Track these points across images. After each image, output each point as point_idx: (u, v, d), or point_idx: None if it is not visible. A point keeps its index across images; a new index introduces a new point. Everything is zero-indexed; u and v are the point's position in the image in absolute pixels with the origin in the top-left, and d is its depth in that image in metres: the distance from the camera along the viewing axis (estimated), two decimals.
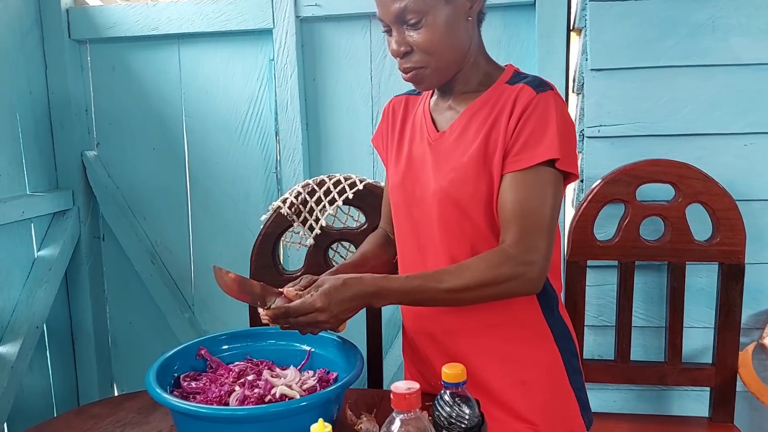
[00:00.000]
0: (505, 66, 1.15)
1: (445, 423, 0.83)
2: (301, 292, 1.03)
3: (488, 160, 1.06)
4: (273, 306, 1.03)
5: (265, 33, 2.01)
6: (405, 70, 1.08)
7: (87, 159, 2.16)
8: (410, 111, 1.22)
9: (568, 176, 1.07)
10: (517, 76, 1.11)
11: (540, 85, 1.06)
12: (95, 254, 2.24)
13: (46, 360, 2.13)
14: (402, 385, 0.73)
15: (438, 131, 1.14)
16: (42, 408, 2.10)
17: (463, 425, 0.83)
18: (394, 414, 0.73)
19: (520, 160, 1.03)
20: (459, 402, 0.83)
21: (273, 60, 2.01)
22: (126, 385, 2.34)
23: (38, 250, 2.06)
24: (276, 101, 2.03)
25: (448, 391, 0.83)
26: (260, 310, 1.04)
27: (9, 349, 1.87)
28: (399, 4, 1.02)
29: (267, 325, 1.04)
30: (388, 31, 1.08)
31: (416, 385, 0.74)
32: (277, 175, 2.10)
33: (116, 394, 2.35)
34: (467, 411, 0.83)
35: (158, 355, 2.27)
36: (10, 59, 1.95)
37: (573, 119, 1.83)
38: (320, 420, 0.74)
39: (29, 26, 2.03)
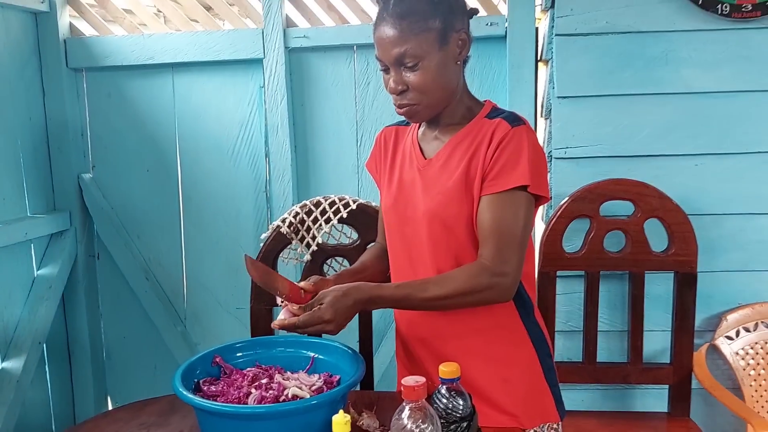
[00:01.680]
0: (485, 102, 1.30)
1: (443, 413, 0.97)
2: (310, 288, 1.20)
3: (470, 184, 1.21)
4: (282, 319, 1.16)
5: (255, 62, 2.15)
6: (400, 106, 1.22)
7: (83, 181, 2.26)
8: (400, 140, 1.37)
9: (539, 198, 1.22)
10: (495, 111, 1.26)
11: (515, 120, 1.21)
12: (91, 272, 2.33)
13: (45, 374, 2.21)
14: (410, 380, 0.88)
15: (425, 159, 1.29)
16: (42, 421, 2.19)
17: (458, 415, 0.97)
18: (404, 404, 0.88)
19: (496, 185, 1.19)
20: (454, 395, 0.98)
21: (263, 87, 2.15)
22: (120, 398, 2.43)
23: (38, 269, 2.15)
24: (266, 125, 2.17)
25: (444, 386, 0.98)
26: (278, 299, 1.18)
27: (14, 364, 1.95)
28: (399, 49, 1.17)
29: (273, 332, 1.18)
30: (386, 71, 1.22)
31: (422, 379, 0.88)
32: (266, 195, 2.23)
33: (110, 407, 2.43)
34: (461, 403, 0.98)
35: (150, 369, 2.38)
36: (11, 87, 2.05)
37: (541, 143, 2.02)
38: (341, 411, 0.88)
39: (28, 56, 2.13)
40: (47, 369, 2.22)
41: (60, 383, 2.28)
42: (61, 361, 2.29)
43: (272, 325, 1.17)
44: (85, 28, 2.25)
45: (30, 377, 2.02)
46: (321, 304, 1.13)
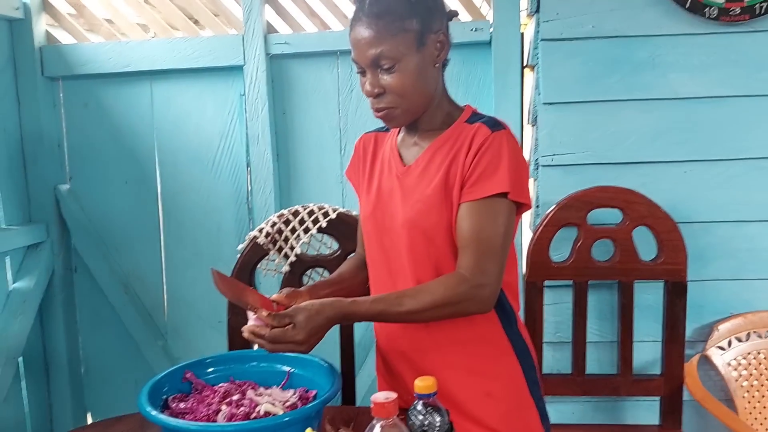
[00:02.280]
0: (464, 106, 1.26)
1: (419, 430, 0.92)
2: (284, 301, 1.15)
3: (449, 191, 1.17)
4: (252, 326, 1.11)
5: (236, 69, 2.10)
6: (377, 110, 1.18)
7: (60, 193, 2.20)
8: (380, 146, 1.33)
9: (521, 206, 1.18)
10: (475, 116, 1.22)
11: (495, 125, 1.17)
12: (68, 286, 2.27)
13: (21, 391, 2.14)
14: (381, 395, 0.83)
15: (405, 165, 1.25)
16: None
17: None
18: (374, 421, 0.83)
19: (475, 192, 1.15)
20: (431, 411, 0.93)
21: (244, 95, 2.10)
22: (99, 414, 2.36)
23: (13, 283, 2.09)
24: (247, 134, 2.12)
25: (420, 402, 0.92)
26: (249, 313, 1.12)
27: None
28: (375, 50, 1.13)
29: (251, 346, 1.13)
30: (362, 73, 1.18)
31: (394, 395, 0.83)
32: (248, 206, 2.18)
33: (89, 422, 2.36)
34: (438, 419, 0.93)
35: (131, 384, 2.32)
36: None
37: (528, 150, 1.98)
38: (309, 429, 0.83)
39: (3, 64, 2.08)
40: (23, 385, 2.15)
41: (37, 400, 2.21)
42: (37, 377, 2.22)
43: (242, 329, 1.12)
44: (63, 37, 2.20)
45: (4, 394, 1.96)
46: (292, 322, 1.08)
